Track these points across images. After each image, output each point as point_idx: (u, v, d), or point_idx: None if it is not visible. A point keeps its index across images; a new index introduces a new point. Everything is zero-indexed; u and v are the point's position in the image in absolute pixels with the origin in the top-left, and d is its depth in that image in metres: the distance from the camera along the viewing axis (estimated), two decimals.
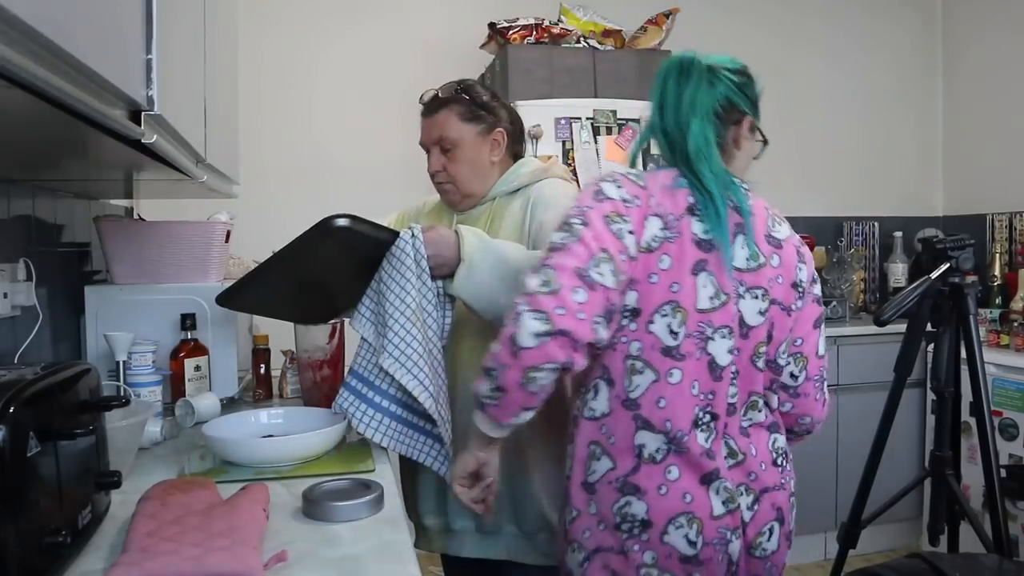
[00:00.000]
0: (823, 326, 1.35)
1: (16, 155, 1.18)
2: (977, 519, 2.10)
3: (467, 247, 1.36)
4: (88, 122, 0.79)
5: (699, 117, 1.24)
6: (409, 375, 1.33)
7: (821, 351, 1.33)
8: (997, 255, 3.31)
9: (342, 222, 1.29)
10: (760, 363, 1.26)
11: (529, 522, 1.54)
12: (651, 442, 1.19)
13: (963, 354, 2.10)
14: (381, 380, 1.40)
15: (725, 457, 1.22)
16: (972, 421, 2.14)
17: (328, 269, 1.41)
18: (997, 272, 3.25)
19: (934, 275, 2.06)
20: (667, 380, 1.18)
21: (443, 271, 1.39)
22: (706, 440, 1.20)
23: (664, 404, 1.18)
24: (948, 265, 2.06)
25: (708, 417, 1.20)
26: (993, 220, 3.46)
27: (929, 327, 2.14)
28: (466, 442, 1.52)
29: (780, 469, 1.28)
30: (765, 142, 1.33)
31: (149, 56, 0.91)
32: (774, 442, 1.29)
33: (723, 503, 1.19)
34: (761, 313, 1.23)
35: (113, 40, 0.79)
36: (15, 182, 1.50)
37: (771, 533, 1.26)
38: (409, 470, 1.65)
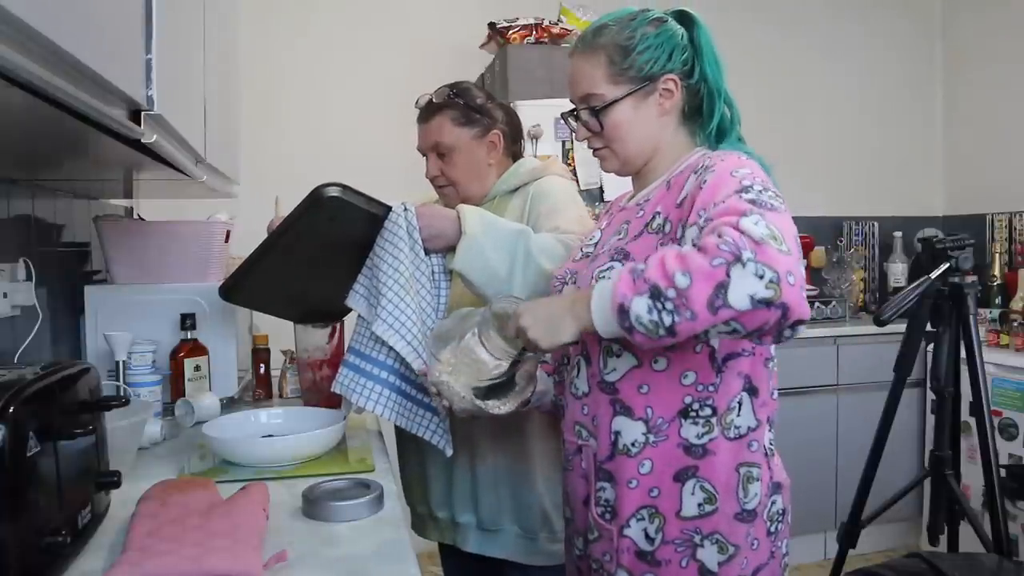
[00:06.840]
0: None
1: (16, 155, 1.18)
2: (977, 519, 2.10)
3: (468, 220, 1.36)
4: (88, 122, 0.79)
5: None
6: (403, 341, 1.32)
7: None
8: (997, 255, 3.31)
9: (333, 191, 1.29)
10: None
11: (530, 522, 1.54)
12: None
13: (963, 354, 2.11)
14: (378, 352, 1.40)
15: None
16: (972, 421, 2.14)
17: (324, 249, 1.40)
18: (997, 272, 3.25)
19: (934, 275, 2.06)
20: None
21: (438, 243, 1.39)
22: None
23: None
24: (948, 265, 2.06)
25: None
26: (993, 220, 3.47)
27: (929, 327, 2.14)
28: (470, 434, 1.52)
29: None
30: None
31: (149, 56, 0.91)
32: None
33: None
34: None
35: (113, 40, 0.79)
36: (15, 182, 1.50)
37: None
38: (418, 462, 1.65)
